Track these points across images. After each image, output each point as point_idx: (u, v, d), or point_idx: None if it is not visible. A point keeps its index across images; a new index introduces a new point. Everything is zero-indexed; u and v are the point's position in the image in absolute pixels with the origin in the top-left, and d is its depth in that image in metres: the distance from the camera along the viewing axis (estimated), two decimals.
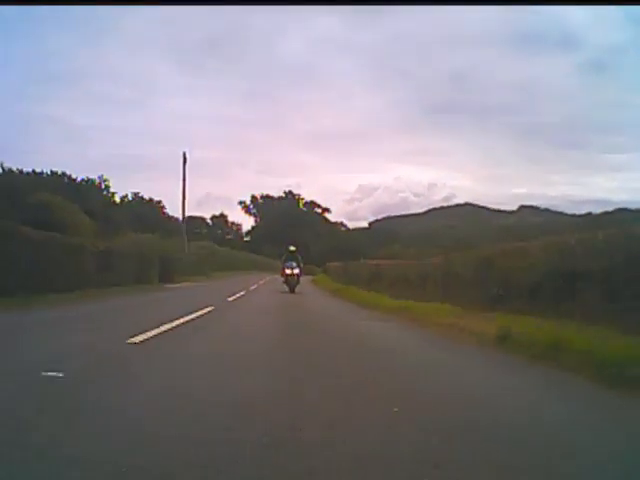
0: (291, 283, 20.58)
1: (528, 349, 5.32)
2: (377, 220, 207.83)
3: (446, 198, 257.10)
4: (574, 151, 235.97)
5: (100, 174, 51.13)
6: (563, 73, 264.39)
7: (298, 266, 21.24)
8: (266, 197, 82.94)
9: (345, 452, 2.42)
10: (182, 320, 8.14)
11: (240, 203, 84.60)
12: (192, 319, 8.62)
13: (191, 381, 3.98)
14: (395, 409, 3.20)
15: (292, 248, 22.23)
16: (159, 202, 65.16)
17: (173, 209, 65.60)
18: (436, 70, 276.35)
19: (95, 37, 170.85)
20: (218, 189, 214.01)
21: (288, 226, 67.98)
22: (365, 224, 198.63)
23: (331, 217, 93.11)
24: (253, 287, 23.28)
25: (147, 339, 5.95)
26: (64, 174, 47.05)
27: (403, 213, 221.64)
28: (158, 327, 6.93)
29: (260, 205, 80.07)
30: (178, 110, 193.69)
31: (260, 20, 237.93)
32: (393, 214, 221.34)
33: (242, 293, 17.73)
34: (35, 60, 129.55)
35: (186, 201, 39.90)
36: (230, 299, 14.73)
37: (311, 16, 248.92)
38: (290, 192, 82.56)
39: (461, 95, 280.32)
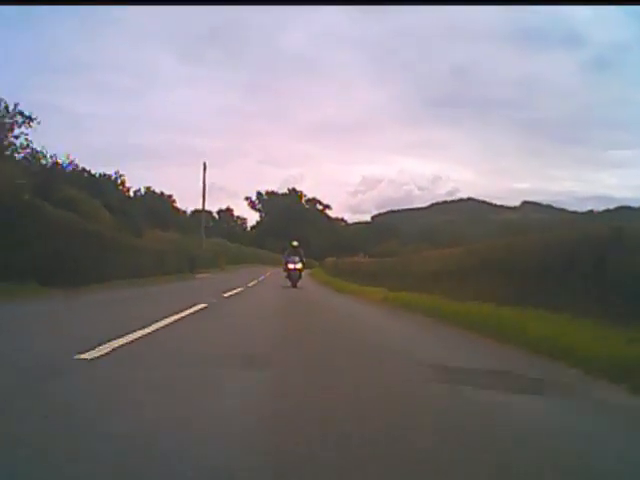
0: (293, 277, 20.59)
1: (397, 301, 11.06)
2: (380, 214, 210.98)
3: (450, 192, 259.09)
4: (577, 147, 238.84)
5: (115, 170, 52.37)
6: (566, 69, 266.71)
7: (301, 261, 21.28)
8: (270, 193, 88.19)
9: (306, 340, 7.26)
10: (233, 292, 14.08)
11: (246, 199, 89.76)
12: (238, 292, 14.56)
13: (245, 315, 9.56)
14: (320, 316, 8.89)
15: (295, 243, 22.20)
16: (170, 196, 69.67)
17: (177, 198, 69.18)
18: (439, 63, 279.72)
19: (97, 27, 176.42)
20: (220, 179, 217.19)
21: (291, 221, 73.35)
22: (369, 217, 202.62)
23: (334, 211, 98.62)
24: (261, 278, 28.18)
25: (226, 297, 11.86)
26: (84, 169, 48.25)
27: (407, 207, 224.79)
28: (222, 294, 12.84)
29: (265, 201, 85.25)
30: (180, 100, 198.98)
31: (263, 12, 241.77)
32: (397, 208, 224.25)
33: (255, 282, 23.44)
34: (37, 49, 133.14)
35: (204, 202, 45.22)
36: (250, 285, 20.60)
37: (314, 9, 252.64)
38: (293, 189, 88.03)
39: (464, 89, 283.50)
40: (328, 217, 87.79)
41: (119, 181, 52.38)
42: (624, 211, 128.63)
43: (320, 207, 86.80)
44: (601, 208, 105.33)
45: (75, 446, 2.24)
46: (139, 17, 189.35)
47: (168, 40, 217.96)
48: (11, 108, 25.07)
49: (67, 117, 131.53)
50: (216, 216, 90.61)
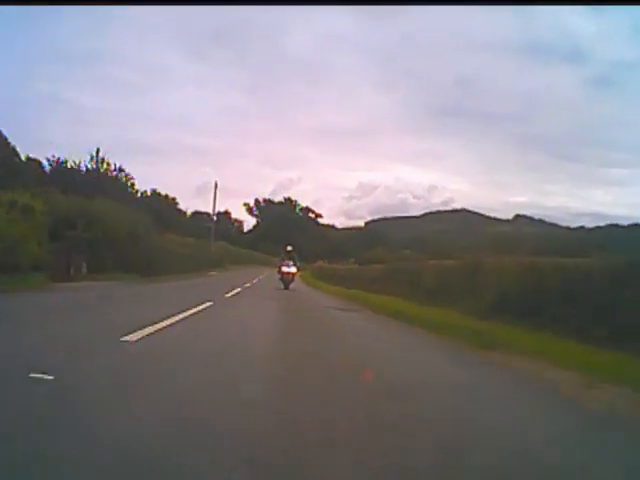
0: (286, 281, 21.82)
1: (342, 293, 18.37)
2: (373, 220, 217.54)
3: (445, 202, 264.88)
4: (573, 163, 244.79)
5: (127, 172, 54.21)
6: (568, 86, 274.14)
7: (294, 265, 22.33)
8: (267, 201, 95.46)
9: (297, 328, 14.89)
10: (249, 284, 21.38)
11: (245, 205, 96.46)
12: (252, 284, 21.89)
13: (259, 296, 16.45)
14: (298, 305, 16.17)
15: (289, 248, 23.07)
16: (174, 199, 74.62)
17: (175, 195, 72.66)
18: (442, 73, 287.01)
19: (103, 21, 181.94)
20: (218, 177, 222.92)
21: (285, 227, 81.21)
22: (362, 223, 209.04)
23: (327, 215, 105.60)
24: (261, 276, 35.09)
25: (245, 289, 19.15)
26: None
27: (400, 215, 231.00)
28: (241, 286, 20.10)
29: (262, 207, 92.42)
30: (182, 98, 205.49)
31: (268, 13, 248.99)
32: (390, 215, 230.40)
33: (257, 279, 30.13)
34: (44, 41, 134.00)
35: (213, 215, 52.31)
36: (254, 281, 27.75)
37: (320, 12, 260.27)
38: (289, 198, 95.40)
39: (466, 100, 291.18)
40: (319, 224, 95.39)
41: (129, 184, 53.81)
42: (614, 229, 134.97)
43: (312, 215, 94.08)
44: (594, 224, 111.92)
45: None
46: (146, 13, 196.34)
47: (174, 38, 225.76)
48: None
49: (70, 109, 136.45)
50: (215, 218, 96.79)
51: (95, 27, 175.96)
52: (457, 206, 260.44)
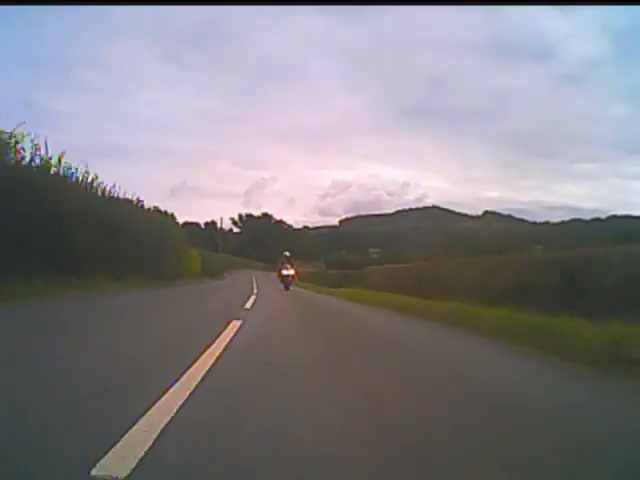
0: (286, 282, 23.70)
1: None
2: (347, 219, 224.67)
3: (418, 198, 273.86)
4: (546, 159, 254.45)
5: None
6: (538, 84, 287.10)
7: (292, 267, 24.37)
8: (249, 216, 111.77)
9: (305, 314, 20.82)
10: (255, 279, 28.75)
11: (231, 219, 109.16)
12: (256, 279, 29.33)
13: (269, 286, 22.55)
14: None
15: (287, 253, 25.00)
16: (172, 214, 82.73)
17: (149, 200, 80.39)
18: (414, 73, 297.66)
19: (80, 25, 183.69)
20: (193, 179, 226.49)
21: (264, 236, 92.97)
22: (337, 220, 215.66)
23: (301, 215, 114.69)
24: (255, 274, 43.36)
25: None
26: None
27: (374, 212, 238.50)
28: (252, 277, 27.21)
29: (244, 221, 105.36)
30: (155, 100, 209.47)
31: (241, 16, 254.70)
32: (364, 213, 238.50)
33: (254, 277, 37.44)
34: (17, 44, 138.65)
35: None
36: (254, 274, 34.78)
37: (294, 15, 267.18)
38: (266, 213, 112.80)
39: (438, 99, 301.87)
40: (292, 229, 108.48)
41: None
42: (576, 223, 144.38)
43: (285, 227, 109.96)
44: (568, 218, 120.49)
45: None
46: (117, 16, 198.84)
47: (147, 40, 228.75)
48: None
49: (42, 113, 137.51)
50: (203, 227, 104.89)
51: (66, 30, 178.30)
52: (430, 202, 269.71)
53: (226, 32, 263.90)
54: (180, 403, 2.55)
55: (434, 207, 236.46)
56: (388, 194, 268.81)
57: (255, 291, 19.02)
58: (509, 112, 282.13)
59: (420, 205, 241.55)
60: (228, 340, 4.95)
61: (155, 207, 25.09)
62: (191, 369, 3.36)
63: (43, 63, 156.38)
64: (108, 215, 14.14)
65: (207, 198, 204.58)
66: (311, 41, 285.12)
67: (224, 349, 4.38)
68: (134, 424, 2.14)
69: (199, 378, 3.12)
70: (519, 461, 2.04)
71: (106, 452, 1.81)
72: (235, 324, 6.36)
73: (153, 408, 2.42)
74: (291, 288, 23.27)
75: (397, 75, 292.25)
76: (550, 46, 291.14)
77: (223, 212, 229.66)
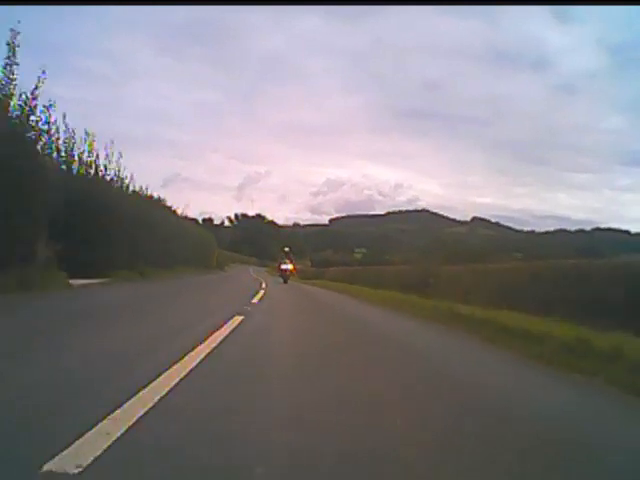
0: (285, 276, 24.86)
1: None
2: (337, 218, 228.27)
3: (410, 200, 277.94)
4: (539, 167, 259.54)
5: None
6: (534, 92, 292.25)
7: (291, 262, 25.43)
8: (243, 215, 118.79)
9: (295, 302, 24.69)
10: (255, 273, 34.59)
11: (227, 218, 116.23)
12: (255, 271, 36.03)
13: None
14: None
15: (287, 249, 26.04)
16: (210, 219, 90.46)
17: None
18: (412, 76, 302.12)
19: (79, 14, 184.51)
20: (187, 170, 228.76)
21: (257, 234, 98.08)
22: (327, 219, 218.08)
23: (293, 212, 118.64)
24: (251, 268, 50.30)
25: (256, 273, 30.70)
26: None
27: (365, 213, 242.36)
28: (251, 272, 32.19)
29: (240, 220, 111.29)
30: (154, 91, 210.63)
31: (246, 14, 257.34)
32: (355, 213, 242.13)
33: (252, 270, 41.82)
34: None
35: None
36: (250, 270, 38.89)
37: (295, 15, 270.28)
38: (259, 214, 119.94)
39: (435, 103, 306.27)
40: (283, 228, 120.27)
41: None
42: (561, 233, 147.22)
43: (277, 226, 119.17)
44: (553, 228, 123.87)
45: None
46: (121, 8, 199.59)
47: (149, 32, 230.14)
48: None
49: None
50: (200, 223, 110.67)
51: (69, 19, 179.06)
52: (422, 204, 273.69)
53: (228, 28, 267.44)
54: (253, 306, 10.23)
55: (424, 210, 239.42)
56: (380, 194, 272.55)
57: (260, 279, 25.51)
58: (505, 119, 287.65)
59: (411, 207, 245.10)
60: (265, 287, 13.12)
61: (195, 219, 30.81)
62: (255, 298, 10.75)
63: (43, 49, 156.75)
64: (171, 229, 21.49)
65: (200, 190, 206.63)
66: (311, 41, 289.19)
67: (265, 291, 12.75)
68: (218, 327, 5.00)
69: (257, 300, 10.47)
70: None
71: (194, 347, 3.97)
72: (263, 285, 14.56)
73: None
74: (289, 282, 24.34)
75: (395, 77, 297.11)
76: (547, 56, 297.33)
77: (215, 205, 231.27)
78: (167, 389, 2.60)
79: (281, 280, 24.30)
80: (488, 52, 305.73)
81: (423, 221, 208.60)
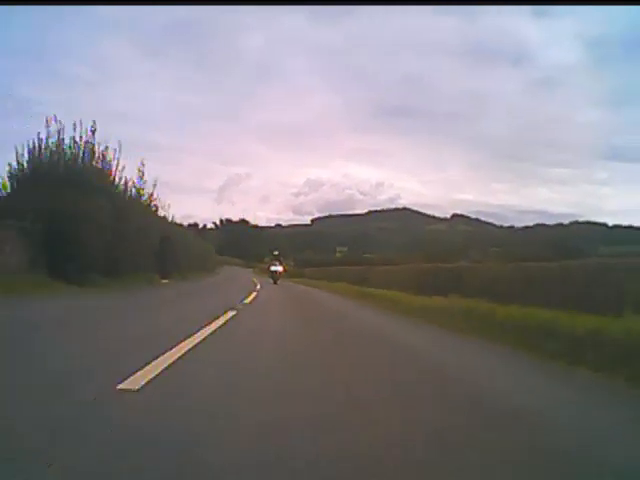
0: (275, 277, 25.99)
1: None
2: (319, 218, 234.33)
3: (391, 199, 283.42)
4: (519, 163, 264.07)
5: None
6: (513, 87, 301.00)
7: (280, 264, 26.90)
8: (228, 220, 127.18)
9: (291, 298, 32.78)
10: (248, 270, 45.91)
11: (213, 223, 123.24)
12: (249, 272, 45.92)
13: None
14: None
15: (276, 252, 27.36)
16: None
17: None
18: (391, 74, 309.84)
19: (61, 16, 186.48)
20: (167, 174, 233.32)
21: (241, 237, 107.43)
22: (309, 219, 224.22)
23: (274, 213, 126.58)
24: (238, 269, 58.67)
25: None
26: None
27: (346, 212, 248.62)
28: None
29: (224, 225, 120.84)
30: (133, 93, 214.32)
31: (222, 14, 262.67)
32: (337, 212, 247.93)
33: (240, 271, 50.74)
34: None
35: None
36: (242, 272, 48.83)
37: (274, 15, 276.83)
38: (243, 219, 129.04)
39: (414, 100, 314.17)
40: (266, 229, 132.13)
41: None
42: (540, 228, 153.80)
43: (260, 229, 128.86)
44: (538, 222, 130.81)
45: None
46: (99, 9, 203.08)
47: (127, 34, 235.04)
48: None
49: (18, 101, 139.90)
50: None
51: (46, 22, 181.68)
52: (403, 202, 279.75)
53: (205, 30, 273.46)
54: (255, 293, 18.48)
55: (405, 209, 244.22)
56: (361, 194, 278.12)
57: (252, 278, 33.96)
58: (484, 115, 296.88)
59: (392, 206, 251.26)
60: (260, 286, 21.31)
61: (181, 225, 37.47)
62: (250, 297, 17.08)
63: (25, 53, 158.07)
64: (184, 241, 28.90)
65: (181, 193, 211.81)
66: (290, 40, 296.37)
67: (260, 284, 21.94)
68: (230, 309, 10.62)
69: (255, 295, 17.62)
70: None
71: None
72: (257, 281, 23.73)
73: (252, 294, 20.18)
74: (279, 282, 26.28)
75: (374, 75, 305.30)
76: (526, 51, 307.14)
77: (197, 208, 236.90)
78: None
79: (271, 280, 26.44)
80: (467, 48, 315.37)
81: (404, 219, 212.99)
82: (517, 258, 22.93)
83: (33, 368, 3.39)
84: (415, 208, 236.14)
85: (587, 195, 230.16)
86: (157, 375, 3.26)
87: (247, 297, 13.36)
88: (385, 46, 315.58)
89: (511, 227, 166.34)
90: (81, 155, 14.41)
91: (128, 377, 3.07)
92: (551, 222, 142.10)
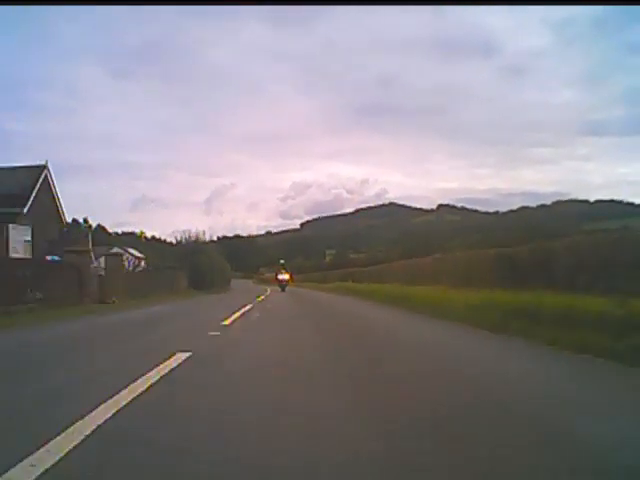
0: (282, 286, 28.57)
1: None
2: (308, 221, 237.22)
3: (378, 194, 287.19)
4: (500, 147, 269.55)
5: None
6: (485, 76, 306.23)
7: (287, 273, 29.82)
8: (224, 237, 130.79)
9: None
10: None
11: (210, 238, 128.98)
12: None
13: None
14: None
15: (282, 262, 30.99)
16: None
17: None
18: (364, 74, 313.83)
19: (28, 43, 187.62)
20: (153, 191, 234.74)
21: (236, 251, 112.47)
22: (299, 223, 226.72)
23: (263, 219, 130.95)
24: (241, 281, 64.41)
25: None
26: None
27: (334, 213, 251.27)
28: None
29: (221, 240, 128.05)
30: (113, 116, 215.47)
31: (192, 27, 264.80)
32: (325, 214, 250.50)
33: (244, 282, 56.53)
34: None
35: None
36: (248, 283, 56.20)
37: (241, 23, 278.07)
38: (238, 235, 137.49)
39: (389, 97, 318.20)
40: (253, 237, 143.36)
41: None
42: (524, 211, 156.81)
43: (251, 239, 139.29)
44: (524, 204, 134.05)
45: None
46: (67, 33, 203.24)
47: (97, 56, 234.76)
48: None
49: None
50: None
51: (15, 50, 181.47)
52: (390, 196, 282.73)
53: (175, 45, 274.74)
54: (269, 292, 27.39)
55: (391, 204, 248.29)
56: (348, 192, 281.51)
57: (256, 285, 47.62)
58: (460, 105, 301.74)
59: (380, 201, 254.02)
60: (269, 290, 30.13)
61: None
62: (261, 297, 26.92)
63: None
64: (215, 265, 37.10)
65: (169, 209, 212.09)
66: (259, 49, 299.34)
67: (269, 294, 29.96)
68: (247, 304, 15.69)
69: (270, 291, 27.82)
70: None
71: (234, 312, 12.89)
72: (269, 289, 31.42)
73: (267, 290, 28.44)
74: (287, 289, 28.65)
75: (347, 76, 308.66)
76: (494, 40, 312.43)
77: (185, 222, 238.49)
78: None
79: (279, 289, 28.80)
80: (436, 42, 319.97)
81: (391, 214, 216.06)
82: (495, 244, 23.73)
83: (201, 313, 13.05)
84: (401, 202, 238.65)
85: (572, 172, 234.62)
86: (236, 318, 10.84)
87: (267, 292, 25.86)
88: (355, 46, 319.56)
89: (496, 212, 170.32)
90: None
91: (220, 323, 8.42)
92: (538, 202, 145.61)
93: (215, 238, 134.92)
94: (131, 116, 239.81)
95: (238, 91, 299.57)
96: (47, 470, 2.08)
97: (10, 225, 19.86)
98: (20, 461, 2.14)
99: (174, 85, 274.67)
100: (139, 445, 2.40)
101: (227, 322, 8.95)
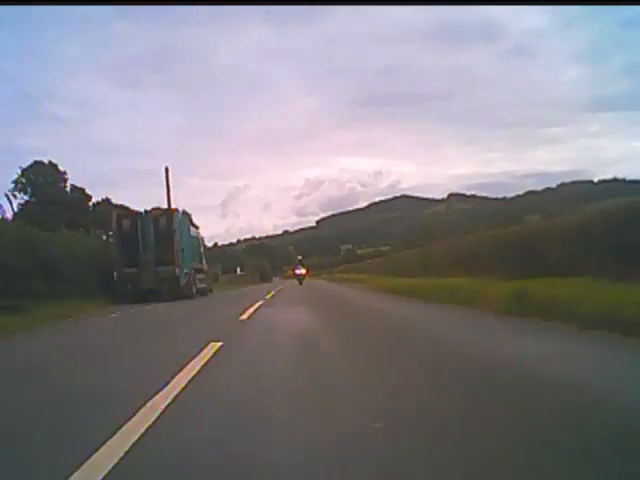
0: (299, 279, 30.91)
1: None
2: (324, 218, 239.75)
3: (391, 185, 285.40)
4: (510, 129, 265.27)
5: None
6: (490, 60, 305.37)
7: (304, 267, 32.04)
8: (245, 239, 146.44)
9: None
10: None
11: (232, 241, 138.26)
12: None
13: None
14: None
15: (300, 257, 33.46)
16: None
17: None
18: (370, 66, 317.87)
19: (35, 59, 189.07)
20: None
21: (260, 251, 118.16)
22: (314, 220, 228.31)
23: (278, 218, 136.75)
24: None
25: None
26: None
27: (348, 209, 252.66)
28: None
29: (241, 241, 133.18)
30: (126, 125, 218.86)
31: (193, 34, 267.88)
32: (340, 210, 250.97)
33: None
34: None
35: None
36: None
37: (242, 26, 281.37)
38: (253, 237, 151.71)
39: (395, 87, 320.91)
40: (270, 237, 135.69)
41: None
42: (530, 196, 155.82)
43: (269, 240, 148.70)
44: (538, 184, 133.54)
45: None
46: (73, 48, 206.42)
47: (105, 69, 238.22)
48: None
49: (9, 153, 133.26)
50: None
51: (25, 67, 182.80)
52: (404, 187, 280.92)
53: (183, 52, 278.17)
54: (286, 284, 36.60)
55: (403, 196, 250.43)
56: (361, 185, 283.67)
57: (282, 280, 54.86)
58: (467, 90, 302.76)
59: (392, 194, 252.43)
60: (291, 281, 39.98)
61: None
62: (287, 283, 36.70)
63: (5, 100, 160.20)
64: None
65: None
66: (265, 50, 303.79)
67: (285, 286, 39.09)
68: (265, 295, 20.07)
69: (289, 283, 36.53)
70: None
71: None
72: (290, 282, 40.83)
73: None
74: (304, 283, 30.75)
75: (353, 70, 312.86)
76: (494, 24, 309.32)
77: (204, 227, 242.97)
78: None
79: (297, 282, 31.40)
80: (439, 30, 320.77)
81: (403, 207, 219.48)
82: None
83: (231, 302, 16.54)
84: (413, 194, 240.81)
85: (584, 149, 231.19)
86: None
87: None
88: (359, 39, 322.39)
89: (503, 198, 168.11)
90: None
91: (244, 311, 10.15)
92: (551, 184, 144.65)
93: (235, 240, 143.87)
94: (142, 125, 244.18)
95: (246, 93, 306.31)
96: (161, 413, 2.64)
97: None
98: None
99: (182, 92, 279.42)
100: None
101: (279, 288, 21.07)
